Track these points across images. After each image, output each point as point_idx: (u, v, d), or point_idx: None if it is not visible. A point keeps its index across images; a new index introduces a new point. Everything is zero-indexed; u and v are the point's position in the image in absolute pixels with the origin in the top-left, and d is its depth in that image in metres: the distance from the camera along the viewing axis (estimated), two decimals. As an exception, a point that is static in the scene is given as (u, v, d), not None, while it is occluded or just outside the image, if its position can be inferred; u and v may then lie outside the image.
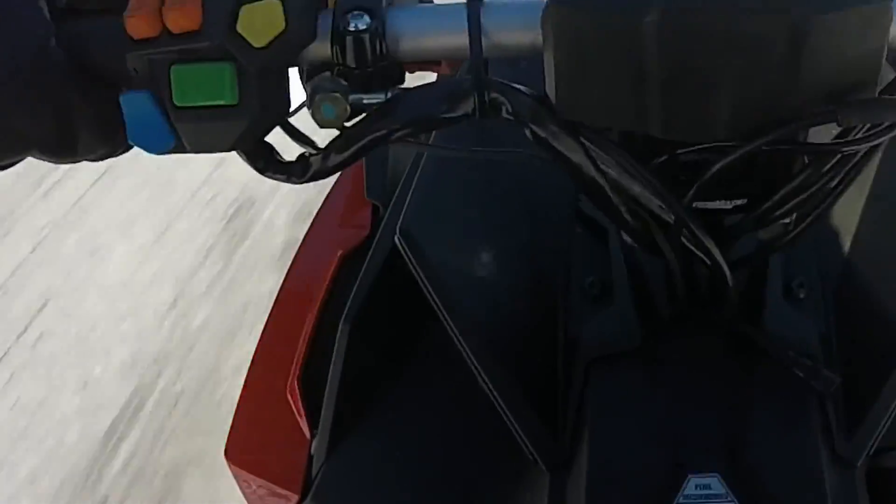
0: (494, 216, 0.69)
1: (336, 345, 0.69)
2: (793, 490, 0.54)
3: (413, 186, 0.66)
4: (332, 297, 0.80)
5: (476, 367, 0.61)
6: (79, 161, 0.52)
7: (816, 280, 0.64)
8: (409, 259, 0.62)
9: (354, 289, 0.69)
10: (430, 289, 0.61)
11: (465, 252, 0.66)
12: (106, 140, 0.52)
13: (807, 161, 0.50)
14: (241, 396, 0.84)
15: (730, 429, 0.56)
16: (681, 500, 0.54)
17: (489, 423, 0.62)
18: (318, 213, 0.95)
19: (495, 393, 0.61)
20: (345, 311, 0.68)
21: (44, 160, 0.52)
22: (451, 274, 0.63)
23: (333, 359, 0.69)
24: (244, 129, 0.47)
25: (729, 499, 0.53)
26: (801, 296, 0.62)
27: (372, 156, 0.91)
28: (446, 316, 0.61)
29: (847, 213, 0.66)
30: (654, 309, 0.61)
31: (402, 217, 0.64)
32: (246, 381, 0.85)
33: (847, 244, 0.66)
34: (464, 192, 0.69)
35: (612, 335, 0.60)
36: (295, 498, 0.75)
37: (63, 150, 0.51)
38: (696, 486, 0.54)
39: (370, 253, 0.70)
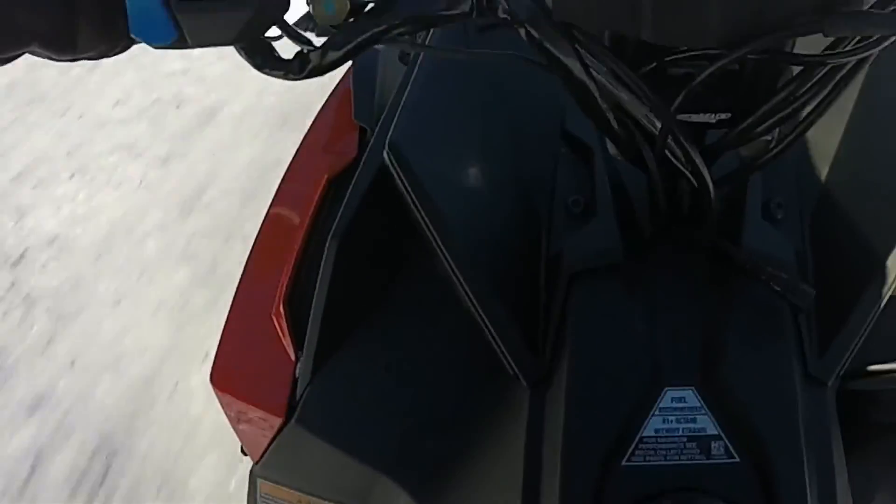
0: (481, 134, 0.69)
1: (322, 262, 0.69)
2: (765, 405, 0.55)
3: (401, 104, 0.66)
4: (318, 220, 0.80)
5: (460, 283, 0.61)
6: (78, 58, 0.52)
7: (794, 201, 0.65)
8: (397, 173, 0.62)
9: (342, 207, 0.69)
10: (417, 202, 0.61)
11: (452, 168, 0.66)
12: (107, 34, 0.51)
13: (793, 75, 0.50)
14: (226, 321, 0.84)
15: (706, 343, 0.57)
16: (656, 412, 0.55)
17: (472, 341, 0.63)
18: (304, 138, 0.94)
19: (478, 308, 0.61)
20: (332, 229, 0.68)
21: (43, 56, 0.51)
22: (438, 189, 0.63)
23: (319, 277, 0.69)
24: (246, 20, 0.47)
25: (703, 412, 0.55)
26: (779, 216, 0.63)
27: (360, 79, 0.90)
28: (432, 230, 0.61)
29: (826, 139, 0.67)
30: (637, 225, 0.62)
31: (390, 132, 0.64)
32: (232, 306, 0.85)
33: (825, 169, 0.67)
34: (451, 111, 0.69)
35: (593, 250, 0.60)
36: (279, 421, 0.75)
37: (63, 44, 0.50)
38: (672, 399, 0.55)
39: (358, 170, 0.70)
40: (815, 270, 0.63)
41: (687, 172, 0.54)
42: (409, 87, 0.68)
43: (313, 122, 0.96)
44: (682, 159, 0.53)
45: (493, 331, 0.61)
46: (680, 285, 0.59)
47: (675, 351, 0.57)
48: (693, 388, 0.55)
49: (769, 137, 0.54)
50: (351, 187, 0.69)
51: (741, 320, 0.58)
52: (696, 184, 0.55)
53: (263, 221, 0.89)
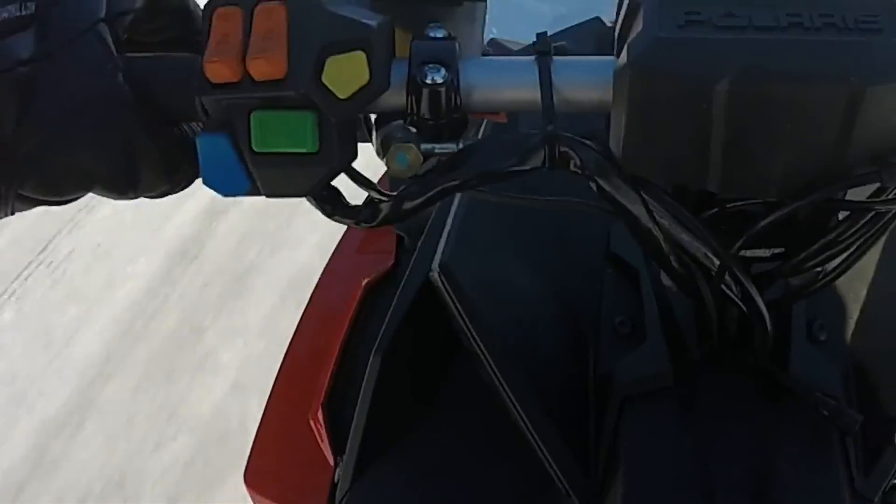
0: (528, 255, 0.71)
1: (366, 374, 0.70)
2: None
3: (449, 224, 0.68)
4: (357, 326, 0.82)
5: (510, 399, 0.63)
6: (138, 197, 0.52)
7: (836, 321, 0.67)
8: (448, 294, 0.63)
9: (386, 320, 0.70)
10: (468, 323, 0.63)
11: (500, 287, 0.68)
12: (168, 177, 0.52)
13: (840, 217, 0.53)
14: (261, 422, 0.85)
15: (758, 467, 0.58)
16: None
17: (519, 456, 0.64)
18: (340, 240, 0.96)
19: (529, 425, 0.62)
20: (376, 343, 0.70)
21: (104, 196, 0.51)
22: (487, 308, 0.64)
23: (363, 388, 0.70)
24: (322, 176, 0.48)
25: None
26: (822, 337, 0.65)
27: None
28: (483, 350, 0.63)
29: (865, 258, 0.69)
30: (685, 348, 0.63)
31: (439, 253, 0.65)
32: (267, 407, 0.86)
33: (864, 289, 0.69)
34: (498, 231, 0.71)
35: (644, 373, 0.62)
36: (317, 525, 0.76)
37: (125, 186, 0.50)
38: None
39: (402, 285, 0.71)
40: (858, 389, 0.65)
41: (739, 302, 0.56)
42: (455, 205, 0.70)
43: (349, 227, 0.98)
44: (737, 291, 0.55)
45: (543, 448, 0.62)
46: (730, 409, 0.61)
47: (726, 474, 0.58)
48: None
49: (819, 270, 0.56)
50: (395, 302, 0.71)
51: (790, 442, 0.59)
52: (747, 312, 0.57)
53: (300, 322, 0.90)
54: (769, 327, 0.56)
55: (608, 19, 1.03)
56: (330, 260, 0.94)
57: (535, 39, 0.50)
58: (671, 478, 0.58)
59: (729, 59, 0.42)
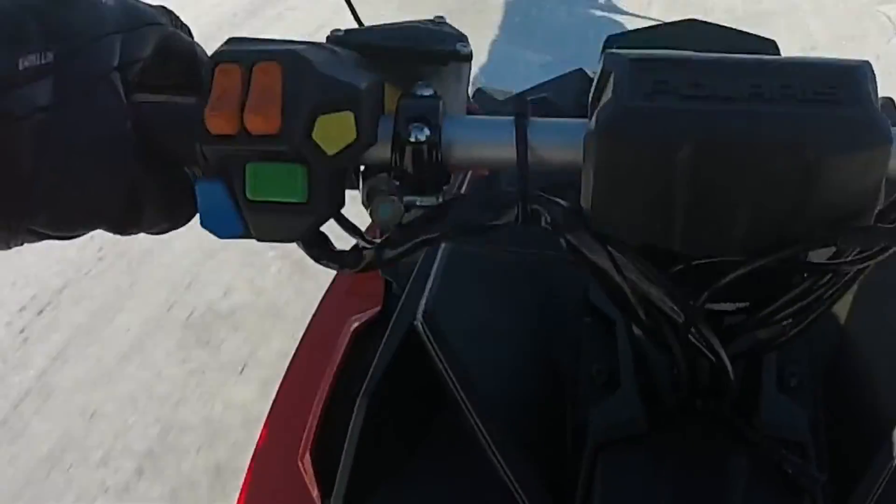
0: (508, 304, 0.73)
1: (353, 419, 0.72)
2: None
3: (433, 274, 0.70)
4: (345, 371, 0.84)
5: (491, 448, 0.64)
6: (140, 233, 0.56)
7: (807, 369, 0.69)
8: (430, 342, 0.65)
9: (373, 366, 0.72)
10: (450, 372, 0.65)
11: (482, 336, 0.70)
12: (170, 216, 0.55)
13: (805, 275, 0.55)
14: (250, 466, 0.87)
15: None
16: None
17: (499, 501, 0.66)
18: (330, 285, 0.99)
19: (509, 473, 0.64)
20: (363, 387, 0.72)
21: (109, 231, 0.54)
22: (469, 358, 0.66)
23: (349, 432, 0.72)
24: (310, 224, 0.51)
25: None
26: (793, 384, 0.67)
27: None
28: (464, 399, 0.65)
29: (837, 307, 0.72)
30: (659, 397, 0.65)
31: (423, 302, 0.67)
32: (256, 450, 0.87)
33: (836, 336, 0.71)
34: (479, 281, 0.73)
35: (619, 421, 0.64)
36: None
37: (129, 224, 0.54)
38: None
39: (388, 332, 0.73)
40: (829, 432, 0.66)
41: (707, 353, 0.58)
42: (438, 255, 0.72)
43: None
44: (703, 343, 0.57)
45: (522, 495, 0.64)
46: (701, 457, 0.63)
47: None
48: None
49: (785, 323, 0.58)
50: (381, 348, 0.73)
51: (760, 489, 0.61)
52: (715, 363, 0.59)
53: (289, 365, 0.92)
54: (731, 376, 0.58)
55: (591, 70, 1.06)
56: (321, 301, 0.96)
57: (518, 92, 0.53)
58: None
59: (691, 128, 0.45)
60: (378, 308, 0.87)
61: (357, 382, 0.74)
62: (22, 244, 0.51)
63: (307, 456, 0.81)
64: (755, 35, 1.06)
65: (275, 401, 0.90)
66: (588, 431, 0.64)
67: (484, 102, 1.00)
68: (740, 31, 1.06)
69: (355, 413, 0.72)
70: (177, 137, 0.52)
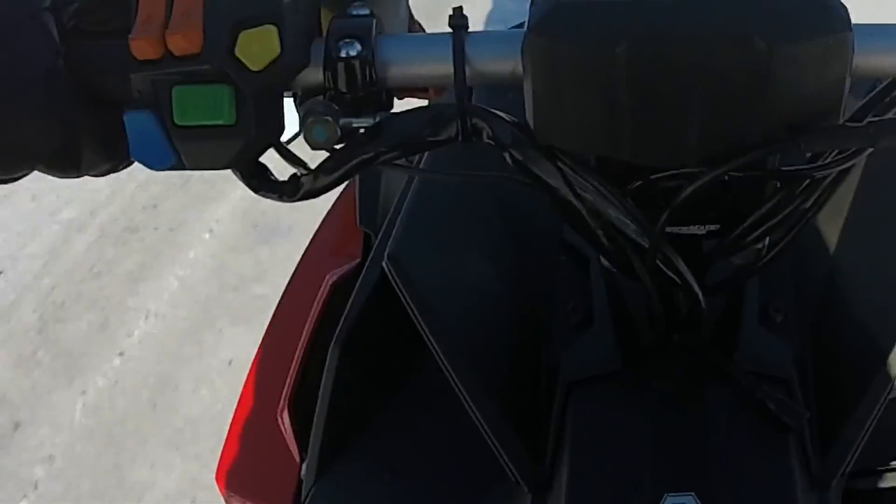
0: (481, 243, 0.71)
1: (325, 368, 0.70)
2: None
3: (400, 216, 0.68)
4: (323, 325, 0.82)
5: (461, 391, 0.62)
6: (82, 175, 0.55)
7: (793, 303, 0.66)
8: (397, 284, 0.64)
9: (345, 314, 0.70)
10: (417, 313, 0.63)
11: (452, 277, 0.68)
12: (109, 156, 0.54)
13: (778, 186, 0.52)
14: (232, 421, 0.86)
15: (706, 450, 0.57)
16: None
17: (475, 445, 0.64)
18: (310, 242, 0.97)
19: (479, 416, 0.62)
20: (335, 336, 0.70)
21: (48, 174, 0.54)
22: (439, 299, 0.64)
23: (323, 382, 0.71)
24: (240, 148, 0.49)
25: None
26: (778, 319, 0.64)
27: (365, 185, 0.93)
28: (433, 340, 0.63)
29: (825, 237, 0.69)
30: (635, 333, 0.63)
31: (389, 243, 0.66)
32: (237, 406, 0.86)
33: (825, 267, 0.68)
34: (450, 220, 0.71)
35: (591, 359, 0.62)
36: (285, 521, 0.76)
37: (67, 165, 0.53)
38: None
39: (360, 279, 0.72)
40: (817, 370, 0.64)
41: (677, 280, 0.56)
42: (407, 198, 0.70)
43: (319, 227, 0.99)
44: (674, 271, 0.55)
45: (493, 438, 0.62)
46: (679, 391, 0.60)
47: (674, 457, 0.57)
48: (693, 494, 0.55)
49: (759, 246, 0.56)
50: (353, 295, 0.71)
51: (741, 425, 0.58)
52: (685, 293, 0.56)
53: (270, 323, 0.91)
54: (703, 306, 0.56)
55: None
56: (299, 262, 0.95)
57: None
58: (615, 461, 0.57)
59: (629, 21, 0.43)
60: (357, 262, 0.85)
61: (334, 335, 0.72)
62: None
63: (285, 411, 0.79)
64: None
65: (256, 357, 0.89)
66: (560, 370, 0.62)
67: None
68: None
69: (328, 363, 0.70)
70: (111, 75, 0.51)
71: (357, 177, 0.95)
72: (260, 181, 0.53)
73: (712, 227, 0.55)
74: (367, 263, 0.72)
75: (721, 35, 0.42)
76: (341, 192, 1.00)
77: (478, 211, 0.71)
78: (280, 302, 0.92)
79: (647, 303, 0.61)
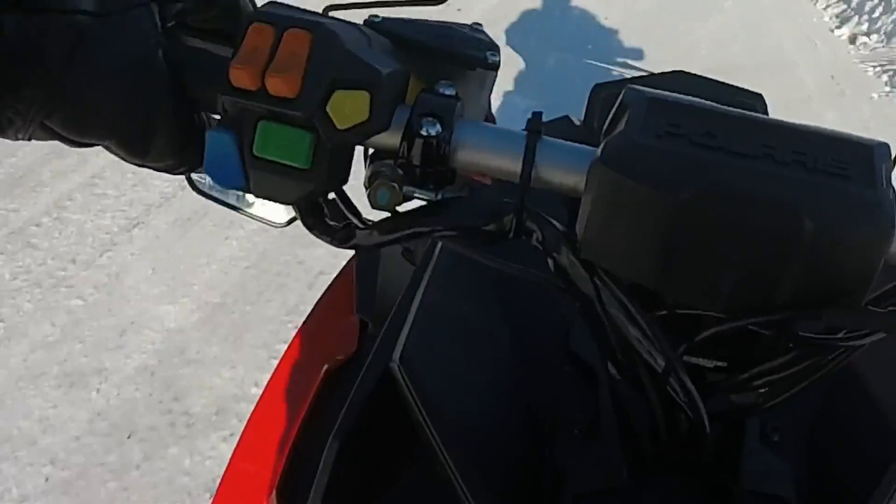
0: (488, 351, 0.71)
1: (322, 459, 0.69)
2: None
3: (411, 316, 0.69)
4: (315, 412, 0.81)
5: (465, 495, 0.63)
6: (146, 165, 0.56)
7: (790, 422, 0.68)
8: (407, 386, 0.64)
9: (345, 407, 0.70)
10: (426, 418, 0.63)
11: (458, 383, 0.68)
12: (177, 152, 0.56)
13: (791, 345, 0.54)
14: (215, 501, 0.84)
15: None
16: None
17: None
18: (303, 324, 0.96)
19: None
20: (335, 428, 0.69)
21: (115, 153, 0.55)
22: (445, 404, 0.65)
23: (318, 473, 0.70)
24: (309, 190, 0.51)
25: None
26: (776, 438, 0.66)
27: (364, 273, 0.93)
28: (440, 445, 0.63)
29: None
30: (639, 447, 0.64)
31: (400, 345, 0.66)
32: (221, 484, 0.84)
33: (820, 387, 0.70)
34: (458, 325, 0.72)
35: (598, 471, 0.62)
36: None
37: (136, 150, 0.54)
38: None
39: (363, 373, 0.71)
40: (813, 487, 0.65)
41: (685, 406, 0.57)
42: (416, 297, 0.71)
43: (313, 309, 0.99)
44: (681, 395, 0.56)
45: None
46: None
47: None
48: None
49: (761, 390, 0.57)
50: (355, 389, 0.71)
51: None
52: (692, 416, 0.57)
53: (259, 402, 0.89)
54: (707, 432, 0.57)
55: (576, 118, 1.07)
56: (291, 342, 0.94)
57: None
58: None
59: (695, 174, 0.45)
60: (353, 349, 0.85)
61: (327, 424, 0.72)
62: (29, 139, 0.52)
63: (273, 495, 0.78)
64: (743, 88, 1.06)
65: (240, 441, 0.87)
66: (567, 480, 0.63)
67: None
68: (727, 84, 1.07)
69: (325, 454, 0.70)
70: (202, 82, 0.53)
71: (355, 264, 0.96)
72: (315, 221, 0.55)
73: (720, 364, 0.57)
74: (370, 358, 0.72)
75: (775, 206, 0.45)
76: (335, 279, 1.01)
77: (485, 317, 0.72)
78: (270, 382, 0.91)
79: (652, 419, 0.62)
